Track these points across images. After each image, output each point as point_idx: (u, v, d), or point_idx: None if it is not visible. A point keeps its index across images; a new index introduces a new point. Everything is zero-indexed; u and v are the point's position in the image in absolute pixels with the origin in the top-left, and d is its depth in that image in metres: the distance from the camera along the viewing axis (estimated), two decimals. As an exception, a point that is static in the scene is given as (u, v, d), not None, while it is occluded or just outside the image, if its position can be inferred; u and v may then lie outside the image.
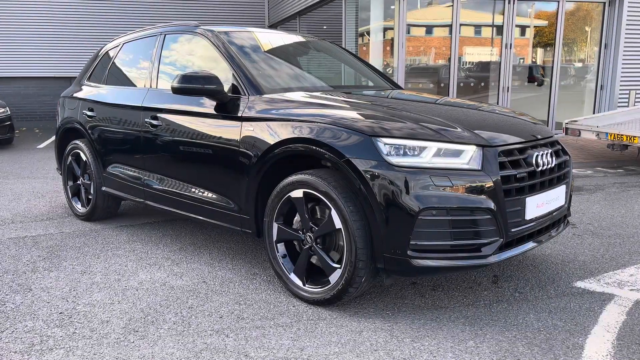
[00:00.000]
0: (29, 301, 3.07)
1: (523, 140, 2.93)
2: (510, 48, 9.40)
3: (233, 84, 3.42)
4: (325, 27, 13.99)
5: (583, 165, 7.83)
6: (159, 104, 3.85)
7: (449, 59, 9.24)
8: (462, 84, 9.63)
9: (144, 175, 4.04)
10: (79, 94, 4.87)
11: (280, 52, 4.08)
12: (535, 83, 11.02)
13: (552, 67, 9.86)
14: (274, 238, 3.12)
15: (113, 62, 4.69)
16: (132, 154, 4.13)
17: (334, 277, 2.84)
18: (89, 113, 4.57)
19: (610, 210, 5.14)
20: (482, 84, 10.14)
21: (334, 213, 2.77)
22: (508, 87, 9.50)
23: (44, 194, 6.06)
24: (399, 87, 4.44)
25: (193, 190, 3.63)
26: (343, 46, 9.67)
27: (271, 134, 3.05)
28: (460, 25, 10.02)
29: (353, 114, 2.88)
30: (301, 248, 3.02)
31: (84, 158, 4.67)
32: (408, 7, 9.82)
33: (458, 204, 2.58)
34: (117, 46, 4.74)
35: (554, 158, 3.03)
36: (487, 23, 10.03)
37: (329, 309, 2.92)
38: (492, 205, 2.62)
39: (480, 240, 2.64)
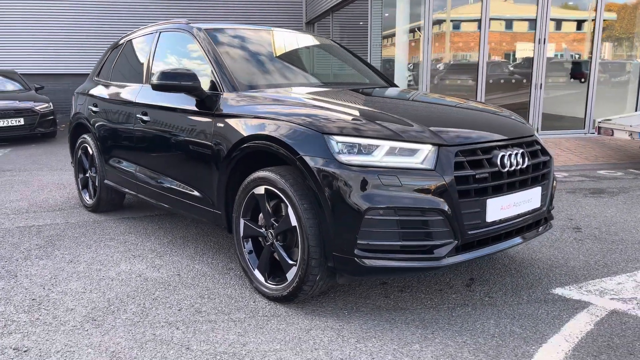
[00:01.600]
0: (10, 287, 3.23)
1: (489, 139, 2.82)
2: (544, 43, 9.03)
3: (212, 81, 3.48)
4: (361, 23, 13.90)
5: (615, 166, 7.45)
6: (150, 100, 3.95)
7: (479, 55, 8.98)
8: (491, 81, 9.34)
9: (136, 169, 4.17)
10: (87, 90, 5.07)
11: (270, 50, 4.09)
12: (582, 79, 10.55)
13: (591, 62, 9.41)
14: (241, 234, 3.15)
15: (117, 59, 4.85)
16: (127, 148, 4.26)
17: (290, 275, 2.84)
18: (94, 108, 4.75)
19: (625, 215, 4.87)
20: (515, 81, 9.80)
21: (290, 210, 2.77)
22: (541, 84, 9.14)
23: (66, 185, 6.34)
24: (394, 85, 4.36)
25: (177, 185, 3.71)
26: (368, 44, 9.59)
27: (237, 130, 3.08)
28: (508, 20, 9.78)
29: (311, 112, 2.86)
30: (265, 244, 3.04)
31: (91, 152, 4.86)
32: (454, 4, 9.67)
33: (406, 204, 2.52)
34: (122, 43, 4.89)
35: (526, 159, 2.90)
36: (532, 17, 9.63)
37: (288, 306, 2.92)
38: (444, 206, 2.54)
39: (432, 242, 2.57)
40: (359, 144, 2.61)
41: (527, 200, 2.92)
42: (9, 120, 9.88)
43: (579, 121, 9.73)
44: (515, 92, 9.82)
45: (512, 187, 2.83)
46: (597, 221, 4.66)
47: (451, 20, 9.96)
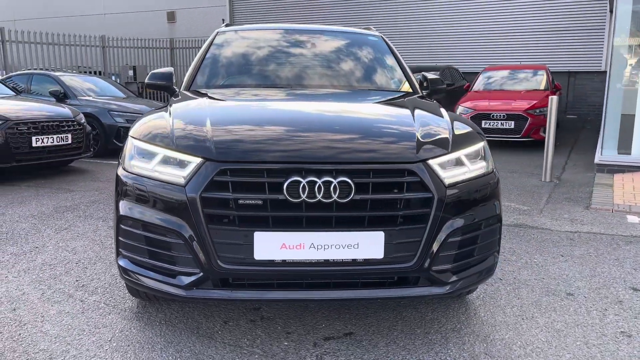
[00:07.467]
0: (48, 235, 4.16)
1: (285, 160, 2.21)
2: None
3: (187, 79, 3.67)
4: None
5: None
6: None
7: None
8: None
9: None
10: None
11: (271, 51, 3.87)
12: None
13: None
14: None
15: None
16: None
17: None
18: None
19: None
20: None
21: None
22: None
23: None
24: (413, 93, 3.55)
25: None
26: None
27: None
28: None
29: (159, 113, 2.82)
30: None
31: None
32: None
33: (147, 219, 2.29)
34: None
35: (352, 191, 2.15)
36: None
37: (140, 305, 2.94)
38: (182, 229, 2.20)
39: (176, 268, 2.27)
40: (144, 150, 2.46)
41: (350, 245, 2.17)
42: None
43: None
44: None
45: (315, 224, 2.18)
46: None
47: None
